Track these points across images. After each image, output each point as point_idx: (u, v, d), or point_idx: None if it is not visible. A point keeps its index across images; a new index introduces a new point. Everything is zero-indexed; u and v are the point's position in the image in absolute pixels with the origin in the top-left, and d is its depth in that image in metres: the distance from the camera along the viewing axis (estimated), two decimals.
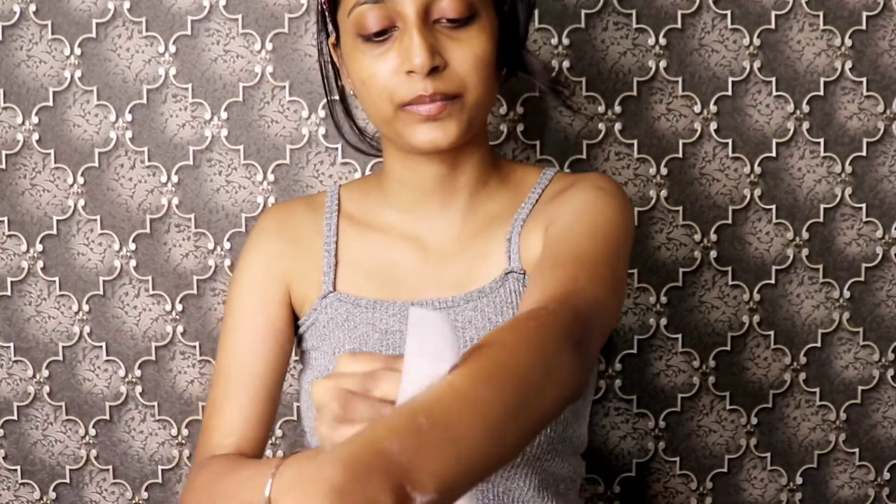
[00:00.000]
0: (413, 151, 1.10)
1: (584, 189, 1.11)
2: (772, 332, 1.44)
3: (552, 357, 0.82)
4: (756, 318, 1.44)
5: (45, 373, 1.45)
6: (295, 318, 1.19)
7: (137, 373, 1.44)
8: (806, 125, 1.42)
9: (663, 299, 1.43)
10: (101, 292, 1.43)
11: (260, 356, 1.16)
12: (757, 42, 1.40)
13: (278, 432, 1.45)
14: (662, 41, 1.40)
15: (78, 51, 1.40)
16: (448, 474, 0.70)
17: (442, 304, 1.11)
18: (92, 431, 1.45)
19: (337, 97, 1.20)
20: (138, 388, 1.45)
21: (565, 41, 1.39)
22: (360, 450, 0.67)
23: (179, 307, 1.43)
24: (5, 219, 1.43)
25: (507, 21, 1.11)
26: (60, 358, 1.44)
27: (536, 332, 0.83)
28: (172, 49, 1.39)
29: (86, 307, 1.43)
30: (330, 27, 1.14)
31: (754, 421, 1.46)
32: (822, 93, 1.41)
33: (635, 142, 1.41)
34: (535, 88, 1.16)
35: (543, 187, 1.15)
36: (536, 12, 1.38)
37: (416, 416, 0.70)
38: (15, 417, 1.46)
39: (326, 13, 1.13)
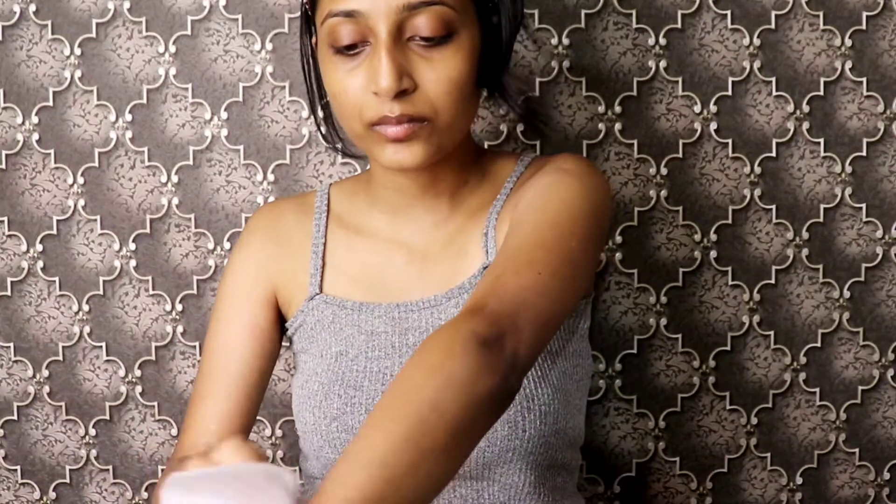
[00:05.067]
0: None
1: (546, 174, 1.10)
2: (772, 332, 1.44)
3: (445, 366, 0.85)
4: (756, 318, 1.44)
5: (45, 373, 1.45)
6: (283, 321, 1.20)
7: (137, 373, 1.44)
8: (806, 125, 1.42)
9: (663, 299, 1.43)
10: (101, 292, 1.43)
11: (240, 357, 1.16)
12: (757, 42, 1.40)
13: (278, 432, 1.45)
14: (662, 41, 1.40)
15: (78, 51, 1.40)
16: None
17: (426, 304, 1.11)
18: (92, 431, 1.45)
19: (322, 100, 1.18)
20: (138, 388, 1.45)
21: (565, 41, 1.39)
22: None
23: (179, 307, 1.43)
24: (5, 219, 1.43)
25: (492, 37, 1.08)
26: (60, 358, 1.44)
27: (421, 355, 0.87)
28: (172, 49, 1.39)
29: (86, 307, 1.43)
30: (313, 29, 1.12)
31: (754, 421, 1.46)
32: (822, 93, 1.41)
33: (635, 142, 1.41)
34: (534, 88, 1.15)
35: (519, 175, 1.15)
36: (536, 12, 1.38)
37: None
38: (15, 417, 1.46)
39: (309, 14, 1.10)
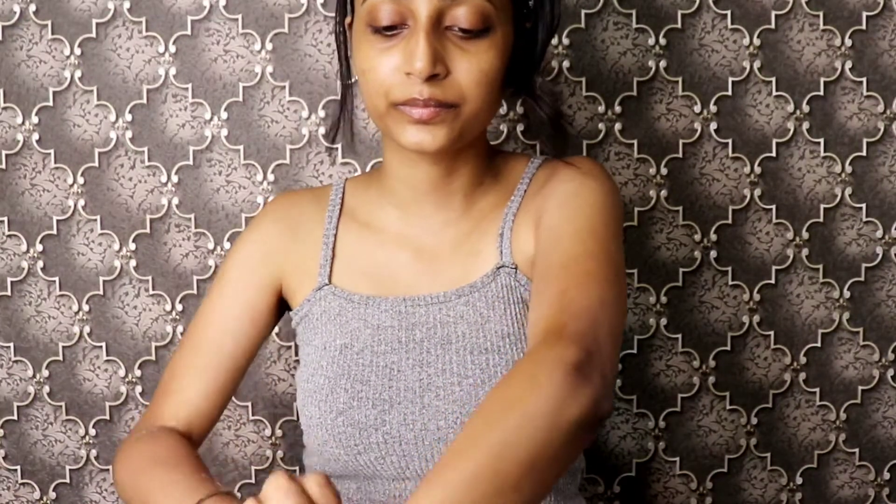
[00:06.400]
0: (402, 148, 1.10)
1: (566, 179, 1.11)
2: (772, 332, 1.45)
3: (525, 400, 0.85)
4: (756, 318, 1.44)
5: (45, 373, 1.45)
6: (288, 310, 1.20)
7: (137, 373, 1.44)
8: (806, 125, 1.42)
9: (663, 299, 1.43)
10: (101, 292, 1.43)
11: (235, 336, 1.17)
12: (757, 42, 1.40)
13: (278, 432, 1.45)
14: (662, 41, 1.40)
15: (78, 51, 1.40)
16: None
17: (434, 300, 1.11)
18: (92, 431, 1.46)
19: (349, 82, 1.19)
20: (138, 389, 1.45)
21: (565, 41, 1.39)
22: None
23: (179, 307, 1.43)
24: (5, 219, 1.43)
25: (526, 40, 1.10)
26: (60, 358, 1.44)
27: (502, 388, 0.87)
28: (172, 49, 1.39)
29: (86, 307, 1.43)
30: (348, 8, 1.14)
31: (754, 421, 1.46)
32: (822, 93, 1.41)
33: (635, 142, 1.41)
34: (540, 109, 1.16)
35: (531, 177, 1.16)
36: None
37: None
38: (15, 417, 1.46)
39: None
